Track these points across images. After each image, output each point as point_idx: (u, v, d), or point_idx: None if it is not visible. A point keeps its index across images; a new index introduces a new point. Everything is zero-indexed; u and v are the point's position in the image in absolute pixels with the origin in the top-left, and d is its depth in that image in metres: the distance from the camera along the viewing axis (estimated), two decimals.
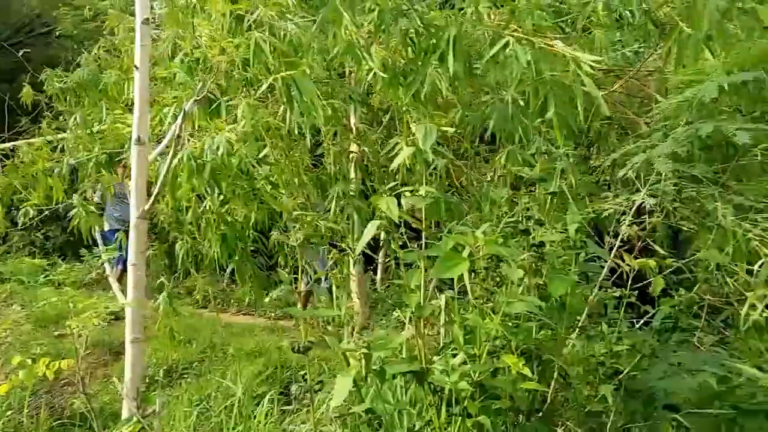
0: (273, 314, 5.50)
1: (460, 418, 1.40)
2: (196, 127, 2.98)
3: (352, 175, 3.90)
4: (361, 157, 3.76)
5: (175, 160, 2.64)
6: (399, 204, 1.81)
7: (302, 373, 3.66)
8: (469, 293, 1.53)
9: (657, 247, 2.14)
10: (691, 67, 1.87)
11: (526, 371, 1.32)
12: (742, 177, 2.07)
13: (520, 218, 1.70)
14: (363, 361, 1.45)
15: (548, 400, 1.51)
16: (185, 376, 3.93)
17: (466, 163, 3.62)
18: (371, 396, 1.66)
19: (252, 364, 3.84)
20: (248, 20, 2.66)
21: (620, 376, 1.53)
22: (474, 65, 2.57)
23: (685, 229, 2.12)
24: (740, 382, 1.57)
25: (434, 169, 3.53)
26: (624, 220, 1.61)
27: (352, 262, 3.93)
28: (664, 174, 1.61)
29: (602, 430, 1.51)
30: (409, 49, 2.42)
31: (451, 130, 2.72)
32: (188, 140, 2.78)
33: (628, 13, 2.98)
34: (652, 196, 1.69)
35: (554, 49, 2.04)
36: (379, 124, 4.03)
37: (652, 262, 1.54)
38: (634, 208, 1.61)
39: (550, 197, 1.74)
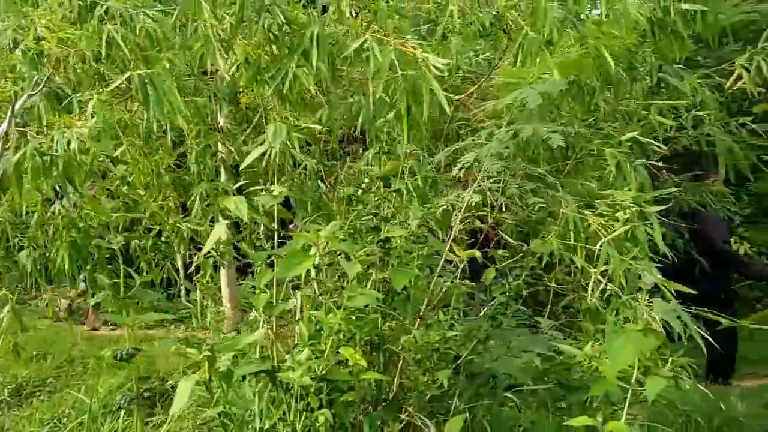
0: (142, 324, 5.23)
1: (305, 413, 1.43)
2: (44, 124, 2.77)
3: (223, 176, 3.82)
4: (228, 157, 3.69)
5: (15, 158, 2.44)
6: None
7: (169, 382, 3.53)
8: (316, 290, 1.57)
9: (508, 238, 2.32)
10: (515, 71, 2.03)
11: (363, 362, 1.38)
12: (575, 175, 2.30)
13: (369, 215, 1.77)
14: (207, 363, 1.44)
15: (394, 389, 1.58)
16: (37, 394, 3.64)
17: (336, 163, 3.67)
18: (221, 398, 1.64)
19: (114, 377, 3.63)
20: (99, 10, 2.52)
21: (459, 361, 1.64)
22: (338, 64, 2.61)
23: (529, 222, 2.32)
24: (563, 360, 1.74)
25: (304, 168, 3.56)
26: (457, 215, 1.73)
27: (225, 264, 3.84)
28: (492, 172, 1.74)
29: (446, 413, 1.60)
30: (273, 45, 2.41)
31: (317, 128, 2.75)
32: (31, 137, 2.58)
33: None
34: (493, 191, 1.83)
35: (407, 49, 2.12)
36: (249, 124, 3.97)
37: (476, 253, 1.66)
38: (465, 205, 1.73)
39: (396, 194, 1.82)
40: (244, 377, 1.60)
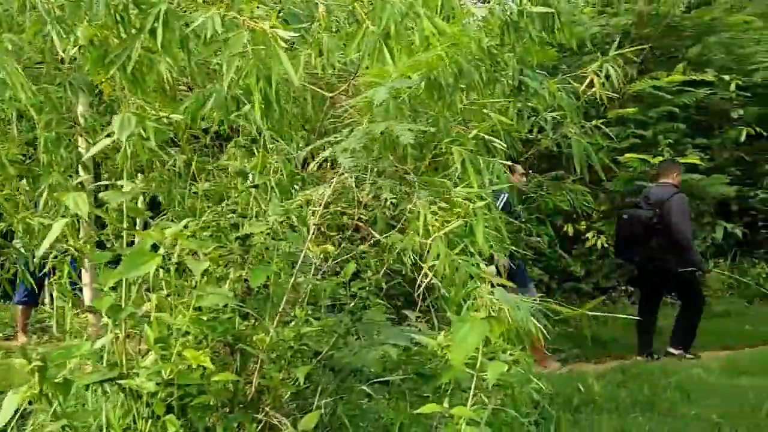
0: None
1: (151, 420, 1.34)
2: None
3: (81, 171, 3.53)
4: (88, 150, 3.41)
5: None
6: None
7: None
8: (164, 290, 1.48)
9: (375, 234, 2.35)
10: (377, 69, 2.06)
11: (208, 364, 1.32)
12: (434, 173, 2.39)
13: (227, 211, 1.71)
14: (37, 374, 1.30)
15: (252, 390, 1.53)
16: None
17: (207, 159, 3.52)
18: (60, 411, 1.50)
19: None
20: None
21: (319, 357, 1.63)
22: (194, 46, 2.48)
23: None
24: (418, 350, 1.79)
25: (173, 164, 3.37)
26: (314, 211, 1.71)
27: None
28: (346, 168, 1.75)
29: (308, 410, 1.58)
30: (120, 27, 2.24)
31: (178, 117, 2.60)
32: None
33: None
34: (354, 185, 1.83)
35: (257, 27, 2.02)
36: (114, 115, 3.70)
37: (330, 248, 1.66)
38: (323, 201, 1.72)
39: (258, 190, 1.77)
40: (87, 386, 1.47)
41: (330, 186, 1.71)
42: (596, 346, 5.53)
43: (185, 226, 1.44)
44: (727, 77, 7.04)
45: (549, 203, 3.46)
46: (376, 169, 1.91)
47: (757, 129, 7.24)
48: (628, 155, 7.05)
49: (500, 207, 4.25)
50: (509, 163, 5.24)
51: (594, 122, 3.28)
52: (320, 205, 1.67)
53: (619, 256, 5.62)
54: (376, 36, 1.90)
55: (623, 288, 7.15)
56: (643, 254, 4.88)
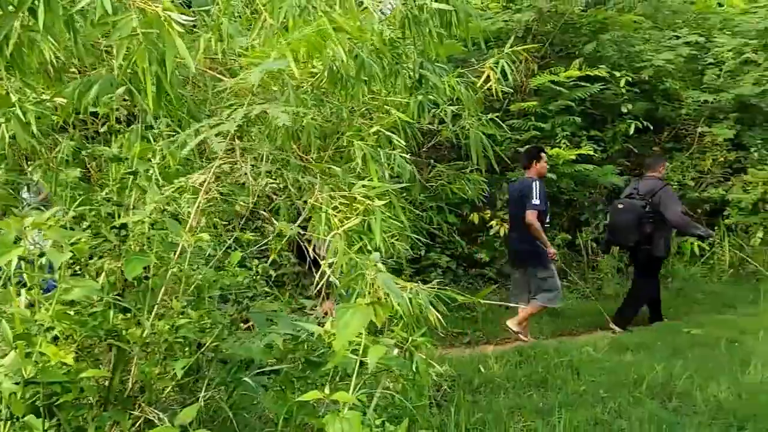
0: None
1: (10, 422, 1.26)
2: None
3: None
4: None
5: None
6: None
7: None
8: (27, 282, 1.39)
9: (277, 222, 2.34)
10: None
11: (69, 360, 1.26)
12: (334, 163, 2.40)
13: (103, 200, 1.63)
14: None
15: (130, 385, 1.48)
16: None
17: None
18: None
19: None
20: None
21: (202, 349, 1.60)
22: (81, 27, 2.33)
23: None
24: (305, 338, 1.81)
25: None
26: (194, 199, 1.67)
27: None
28: (219, 152, 1.72)
29: (192, 403, 1.54)
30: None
31: (62, 101, 2.43)
32: None
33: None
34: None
35: (150, 9, 1.94)
36: None
37: (205, 237, 1.63)
38: (204, 187, 1.68)
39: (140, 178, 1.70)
40: None
41: (211, 172, 1.67)
42: (498, 329, 5.80)
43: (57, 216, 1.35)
44: (618, 73, 7.52)
45: (450, 192, 3.59)
46: (280, 159, 1.88)
47: (644, 123, 7.80)
48: (527, 147, 7.38)
49: (537, 194, 5.05)
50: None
51: (491, 115, 3.40)
52: (205, 191, 1.62)
53: (610, 242, 6.12)
54: (274, 28, 1.87)
55: None
56: (635, 240, 5.43)
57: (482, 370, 4.22)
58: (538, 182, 5.17)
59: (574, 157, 7.30)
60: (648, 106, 8.10)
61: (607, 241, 6.24)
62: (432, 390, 3.85)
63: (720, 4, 9.46)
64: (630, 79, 7.59)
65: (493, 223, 7.57)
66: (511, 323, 5.28)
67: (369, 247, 1.90)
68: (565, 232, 7.80)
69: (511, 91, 7.87)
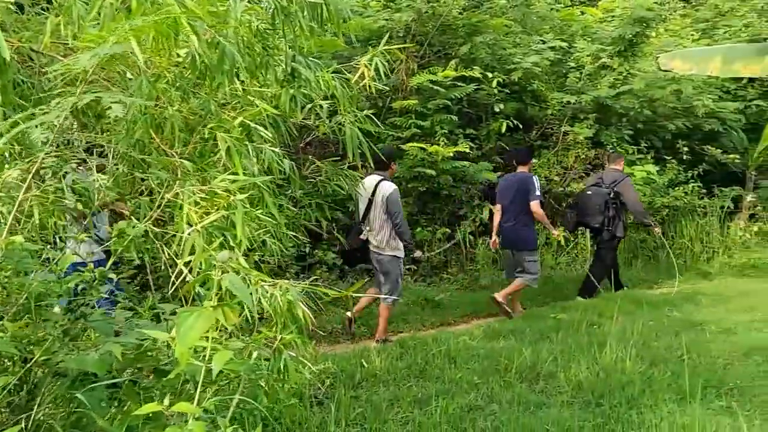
0: None
1: None
2: None
3: None
4: None
5: None
6: None
7: None
8: None
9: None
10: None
11: None
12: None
13: None
14: None
15: None
16: None
17: None
18: None
19: None
20: None
21: (29, 364, 1.44)
22: None
23: None
24: (149, 345, 1.70)
25: None
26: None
27: None
28: (38, 143, 1.57)
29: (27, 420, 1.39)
30: None
31: None
32: None
33: None
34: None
35: None
36: None
37: (18, 239, 1.48)
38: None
39: None
40: None
41: (30, 168, 1.51)
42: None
43: None
44: (490, 75, 7.90)
45: (327, 188, 3.57)
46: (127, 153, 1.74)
47: (515, 122, 8.26)
48: (409, 144, 7.55)
49: (538, 187, 5.88)
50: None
51: (366, 111, 3.41)
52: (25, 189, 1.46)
53: (579, 223, 6.90)
54: (113, 9, 1.74)
55: (408, 267, 7.67)
56: (600, 221, 6.49)
57: (364, 364, 4.25)
58: (535, 177, 6.04)
59: (452, 154, 7.57)
60: (518, 106, 8.60)
61: (576, 223, 6.92)
62: (314, 388, 3.82)
63: (582, 12, 10.26)
64: (501, 80, 8.00)
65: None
66: (498, 296, 5.89)
67: (233, 244, 1.82)
68: (445, 226, 8.07)
69: (387, 89, 8.03)
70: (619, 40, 8.77)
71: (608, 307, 5.48)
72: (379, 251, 5.10)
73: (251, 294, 1.44)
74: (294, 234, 3.19)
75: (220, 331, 1.82)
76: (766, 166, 10.95)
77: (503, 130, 8.19)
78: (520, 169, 6.13)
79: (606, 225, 6.48)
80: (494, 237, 6.17)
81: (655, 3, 9.21)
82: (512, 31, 8.83)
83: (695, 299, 6.15)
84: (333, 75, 3.11)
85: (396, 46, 3.75)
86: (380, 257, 5.11)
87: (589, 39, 9.26)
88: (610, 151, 8.11)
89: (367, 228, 5.11)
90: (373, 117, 3.37)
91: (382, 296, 5.12)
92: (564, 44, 8.83)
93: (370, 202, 5.04)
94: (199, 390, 1.29)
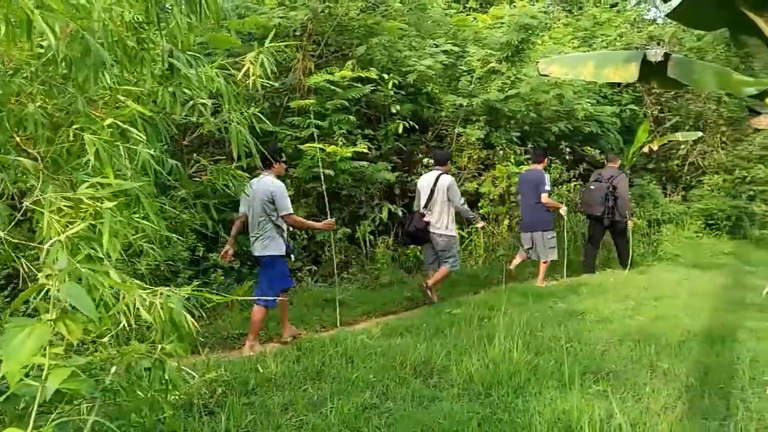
0: None
1: None
2: None
3: None
4: None
5: None
6: None
7: None
8: None
9: None
10: None
11: None
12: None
13: None
14: None
15: None
16: None
17: None
18: None
19: None
20: None
21: None
22: None
23: None
24: None
25: None
26: None
27: None
28: None
29: None
30: None
31: None
32: None
33: None
34: None
35: None
36: None
37: None
38: None
39: None
40: None
41: None
42: (281, 326, 5.77)
43: None
44: (387, 76, 8.00)
45: (214, 188, 3.43)
46: None
47: (411, 123, 8.43)
48: (307, 145, 7.49)
49: (548, 182, 7.28)
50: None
51: (254, 109, 3.32)
52: None
53: (586, 213, 8.48)
54: None
55: (308, 269, 7.59)
56: (602, 211, 7.88)
57: (260, 369, 4.15)
58: (548, 174, 7.43)
59: (350, 155, 7.59)
60: (414, 107, 8.78)
61: (584, 213, 8.60)
62: (205, 397, 3.68)
63: (474, 18, 10.66)
64: (397, 82, 8.13)
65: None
66: (538, 281, 7.39)
67: (101, 254, 1.70)
68: (346, 226, 8.08)
69: (283, 87, 7.92)
70: (506, 46, 9.20)
71: (498, 300, 5.73)
72: (439, 232, 6.39)
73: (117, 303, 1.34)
74: (179, 237, 3.05)
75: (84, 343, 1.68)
76: (639, 165, 11.98)
77: (400, 130, 8.33)
78: (535, 167, 7.52)
79: (606, 213, 7.85)
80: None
81: (541, 12, 9.77)
82: (407, 35, 9.01)
83: (578, 290, 6.58)
84: (217, 72, 3.01)
85: (288, 43, 3.68)
86: (439, 237, 6.39)
87: (480, 44, 9.64)
88: (605, 153, 9.76)
89: (429, 213, 6.40)
90: (261, 115, 3.28)
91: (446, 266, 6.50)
92: (456, 48, 9.13)
93: (432, 192, 6.38)
94: (34, 412, 1.17)
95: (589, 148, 10.29)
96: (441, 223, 6.36)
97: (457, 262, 6.59)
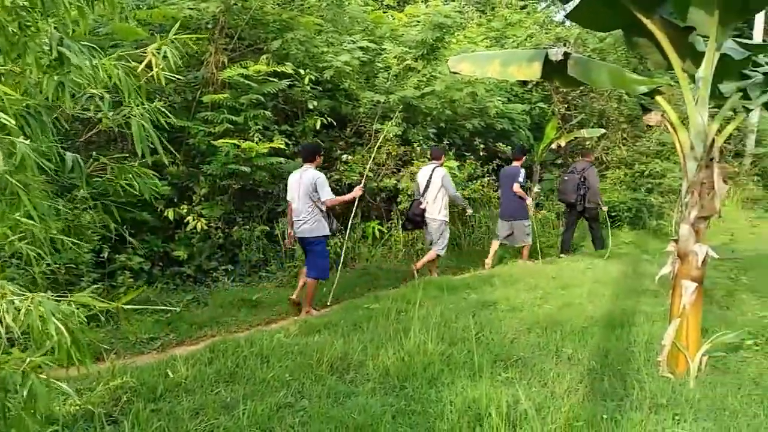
0: None
1: None
2: None
3: None
4: None
5: None
6: None
7: None
8: None
9: None
10: None
11: None
12: None
13: None
14: None
15: None
16: None
17: None
18: None
19: None
20: None
21: None
22: None
23: None
24: None
25: None
26: None
27: None
28: None
29: None
30: None
31: None
32: None
33: None
34: None
35: None
36: None
37: None
38: None
39: None
40: None
41: None
42: (194, 328, 5.59)
43: None
44: (303, 71, 7.91)
45: (115, 187, 3.25)
46: None
47: (330, 119, 8.39)
48: (221, 140, 7.28)
49: (522, 176, 8.23)
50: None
51: (157, 103, 3.16)
52: None
53: (560, 199, 9.38)
54: None
55: (224, 268, 7.39)
56: (575, 198, 8.74)
57: (169, 374, 3.99)
58: (523, 169, 8.35)
59: (266, 151, 7.45)
60: (332, 103, 8.74)
61: (561, 200, 9.48)
62: (108, 406, 3.49)
63: (392, 16, 10.74)
64: (314, 77, 8.06)
65: (190, 218, 7.28)
66: (521, 262, 8.23)
67: None
68: (264, 223, 7.93)
69: (187, 79, 7.65)
70: (422, 44, 9.34)
71: (415, 294, 5.81)
72: (433, 217, 7.41)
73: None
74: (73, 240, 2.86)
75: None
76: (549, 161, 12.54)
77: (318, 126, 8.27)
78: (515, 164, 8.49)
79: (578, 201, 8.75)
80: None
81: (455, 11, 9.99)
82: (324, 30, 8.95)
83: (491, 281, 6.79)
84: (116, 63, 2.85)
85: (197, 36, 3.52)
86: (433, 222, 7.43)
87: (396, 42, 9.73)
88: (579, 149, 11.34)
89: (426, 201, 7.38)
90: (166, 110, 3.13)
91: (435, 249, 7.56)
92: (373, 45, 9.16)
93: (428, 183, 7.39)
94: None
95: (501, 144, 10.65)
96: (435, 208, 7.38)
97: (444, 247, 7.53)
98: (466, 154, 9.99)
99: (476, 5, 15.33)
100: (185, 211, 7.38)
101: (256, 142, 7.44)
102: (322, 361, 4.15)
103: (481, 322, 4.96)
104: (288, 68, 7.66)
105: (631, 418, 3.16)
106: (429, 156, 7.92)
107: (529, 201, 8.45)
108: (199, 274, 7.34)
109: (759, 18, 15.33)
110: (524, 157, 8.68)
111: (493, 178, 9.99)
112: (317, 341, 4.64)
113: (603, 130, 11.15)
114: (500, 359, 4.18)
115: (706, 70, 3.78)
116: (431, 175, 7.44)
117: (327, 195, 5.84)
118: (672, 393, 3.49)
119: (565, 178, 9.21)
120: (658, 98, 3.97)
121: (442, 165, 7.70)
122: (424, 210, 7.42)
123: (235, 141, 7.33)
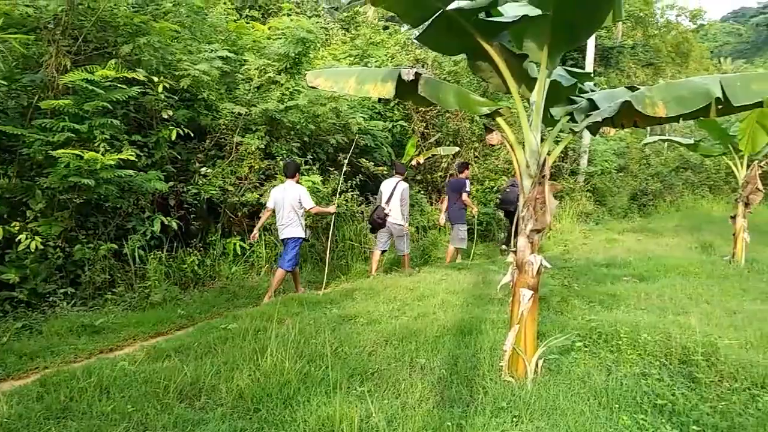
0: None
1: None
2: None
3: None
4: None
5: None
6: None
7: None
8: None
9: None
10: None
11: None
12: None
13: None
14: None
15: None
16: None
17: None
18: None
19: None
20: None
21: None
22: None
23: None
24: None
25: None
26: None
27: None
28: None
29: None
30: None
31: None
32: None
33: None
34: None
35: None
36: None
37: None
38: None
39: None
40: None
41: None
42: (23, 360, 5.02)
43: None
44: (156, 79, 7.49)
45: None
46: None
47: (187, 130, 8.01)
48: (61, 150, 6.65)
49: (469, 186, 9.62)
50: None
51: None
52: None
53: (502, 208, 10.49)
54: None
55: (63, 291, 6.72)
56: (515, 209, 9.00)
57: None
58: (468, 180, 9.59)
59: (114, 162, 6.92)
60: (190, 114, 8.38)
61: (500, 208, 10.58)
62: None
63: (253, 27, 10.56)
64: (169, 85, 7.67)
65: (22, 237, 6.54)
66: (447, 261, 9.66)
67: None
68: (111, 241, 7.35)
69: (22, 82, 6.96)
70: (284, 57, 9.29)
71: (276, 311, 5.70)
72: (395, 222, 8.55)
73: None
74: None
75: None
76: (409, 177, 13.01)
77: (174, 137, 7.87)
78: (461, 176, 9.59)
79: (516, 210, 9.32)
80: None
81: (320, 27, 10.06)
82: (181, 37, 8.57)
83: (352, 295, 6.86)
84: None
85: (29, 37, 3.18)
86: (395, 226, 8.56)
87: (259, 54, 9.59)
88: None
89: (389, 208, 8.52)
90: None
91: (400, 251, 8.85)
92: (234, 56, 8.95)
93: (391, 194, 8.54)
94: None
95: (364, 160, 10.86)
96: (396, 215, 8.55)
97: (408, 244, 8.82)
98: (330, 169, 10.06)
99: (341, 23, 15.59)
100: (17, 228, 6.64)
101: (103, 153, 6.89)
102: (170, 388, 3.91)
103: (340, 336, 4.98)
104: (140, 75, 7.22)
105: (474, 423, 3.33)
106: (394, 170, 9.06)
107: (475, 210, 9.85)
108: (34, 298, 6.61)
109: (590, 50, 17.24)
110: (467, 170, 9.81)
111: (357, 193, 10.14)
112: (166, 367, 4.37)
113: (457, 149, 11.80)
114: (357, 373, 4.21)
115: (538, 94, 4.14)
116: (395, 187, 8.61)
117: (310, 204, 7.34)
118: (512, 396, 3.74)
119: (507, 190, 10.41)
120: (498, 119, 4.28)
121: (405, 179, 8.96)
122: (386, 215, 8.52)
123: (78, 151, 6.74)
